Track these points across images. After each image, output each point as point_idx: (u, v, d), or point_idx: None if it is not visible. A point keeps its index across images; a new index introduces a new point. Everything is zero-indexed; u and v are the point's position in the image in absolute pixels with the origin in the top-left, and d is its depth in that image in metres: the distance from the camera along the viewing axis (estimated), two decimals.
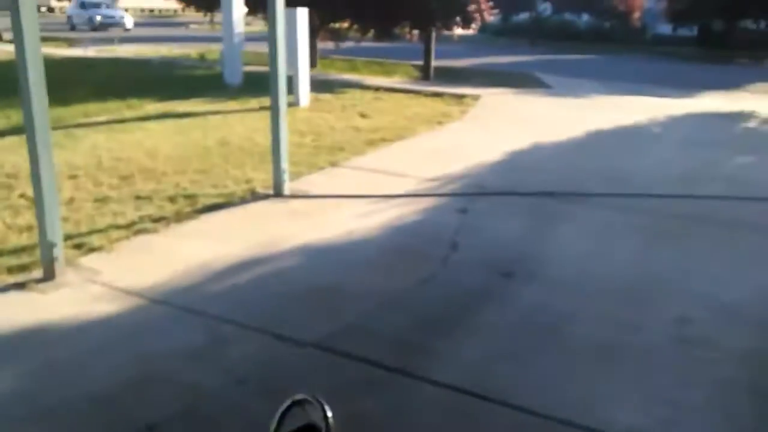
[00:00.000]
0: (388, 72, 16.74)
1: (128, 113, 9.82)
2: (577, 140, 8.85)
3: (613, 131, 9.67)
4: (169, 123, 9.19)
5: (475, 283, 4.14)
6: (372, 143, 8.19)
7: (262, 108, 10.61)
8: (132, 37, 27.08)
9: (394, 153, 7.77)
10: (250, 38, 19.42)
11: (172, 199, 5.73)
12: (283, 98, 5.82)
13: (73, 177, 6.38)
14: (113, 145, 7.74)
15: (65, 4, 60.98)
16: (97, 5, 36.61)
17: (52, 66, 15.45)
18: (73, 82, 12.12)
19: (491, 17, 15.99)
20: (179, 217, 5.27)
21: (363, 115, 10.12)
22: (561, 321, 3.65)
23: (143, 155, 7.26)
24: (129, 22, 35.76)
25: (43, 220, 4.03)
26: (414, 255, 4.61)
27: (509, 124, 10.03)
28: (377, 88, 12.88)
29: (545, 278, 4.25)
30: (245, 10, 12.69)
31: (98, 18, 35.00)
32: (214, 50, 18.96)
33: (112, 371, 3.08)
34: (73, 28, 34.68)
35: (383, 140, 8.37)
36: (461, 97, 12.19)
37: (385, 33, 15.12)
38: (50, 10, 64.50)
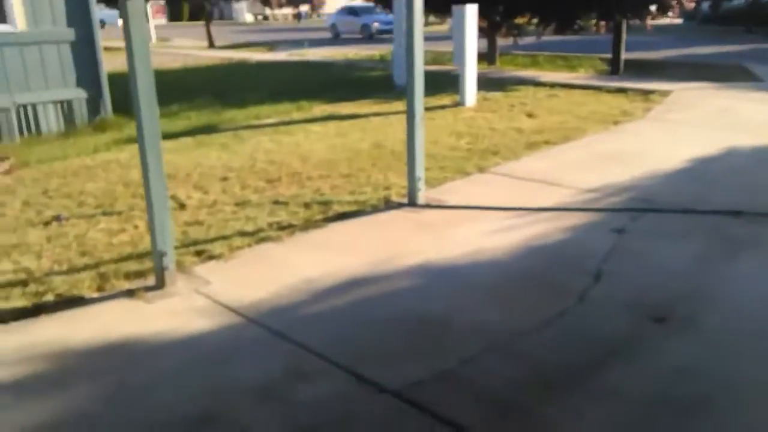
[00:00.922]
0: (572, 67, 15.47)
1: (296, 115, 9.94)
2: None
3: None
4: (332, 125, 9.12)
5: (612, 328, 3.31)
6: (532, 146, 7.38)
7: (427, 108, 10.15)
8: (325, 40, 28.19)
9: (554, 157, 6.90)
10: (428, 37, 19.21)
11: (307, 205, 5.50)
12: (419, 102, 5.32)
13: (224, 179, 6.44)
14: (273, 146, 7.79)
15: (286, 11, 65.83)
16: (370, 11, 29.68)
17: (242, 70, 16.52)
18: (256, 86, 12.70)
19: (692, 3, 14.02)
20: (306, 226, 5.00)
21: (530, 115, 9.28)
22: (718, 394, 2.74)
23: (296, 158, 7.19)
24: None
25: (153, 229, 3.93)
26: (547, 285, 3.86)
27: (699, 124, 8.55)
28: (553, 85, 11.86)
29: (708, 328, 3.28)
30: None
31: (375, 25, 30.37)
32: None
33: (176, 403, 2.81)
34: (336, 36, 30.73)
35: (546, 143, 7.51)
36: (648, 93, 10.76)
37: (567, 26, 13.93)
38: (265, 18, 70.20)
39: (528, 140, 7.68)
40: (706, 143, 7.16)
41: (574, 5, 13.10)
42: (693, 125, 8.45)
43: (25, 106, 8.56)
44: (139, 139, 3.90)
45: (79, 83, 9.02)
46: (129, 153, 7.70)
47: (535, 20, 14.92)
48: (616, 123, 8.57)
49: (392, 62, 12.96)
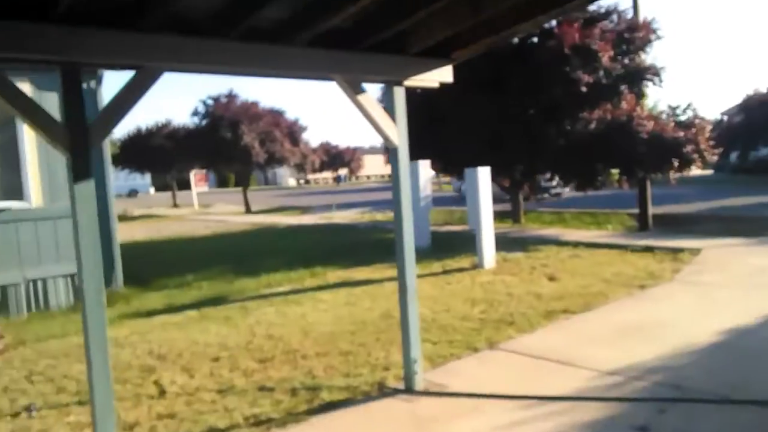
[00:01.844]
0: (599, 223, 15.12)
1: (309, 282, 9.61)
2: None
3: None
4: (343, 292, 8.72)
5: None
6: (550, 315, 6.77)
7: (444, 271, 9.82)
8: (354, 203, 28.68)
9: (572, 330, 6.26)
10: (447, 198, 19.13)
11: (294, 392, 4.94)
12: (410, 275, 4.89)
13: (216, 360, 5.96)
14: (276, 319, 7.36)
15: (326, 174, 68.34)
16: None
17: (267, 236, 16.54)
18: (276, 251, 12.59)
19: (715, 156, 13.82)
20: (285, 420, 4.41)
21: (551, 278, 8.74)
22: None
23: (298, 332, 6.72)
24: (563, 189, 23.69)
25: None
26: None
27: (734, 287, 7.83)
28: (577, 244, 11.39)
29: None
30: (431, 173, 12.37)
31: None
32: None
33: None
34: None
35: (565, 311, 6.90)
36: (677, 251, 10.17)
37: (588, 182, 13.75)
38: (307, 182, 73.27)
39: (546, 308, 7.09)
40: (742, 310, 6.45)
41: (593, 162, 12.98)
42: (726, 288, 7.74)
43: (35, 281, 8.45)
44: (84, 331, 3.49)
45: None
46: (129, 329, 7.35)
47: (556, 178, 14.83)
48: (642, 287, 7.93)
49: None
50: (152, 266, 11.60)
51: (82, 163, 3.37)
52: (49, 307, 8.55)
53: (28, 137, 8.45)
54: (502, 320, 6.69)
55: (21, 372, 5.91)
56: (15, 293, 8.28)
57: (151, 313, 8.18)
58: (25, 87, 8.38)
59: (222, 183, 69.97)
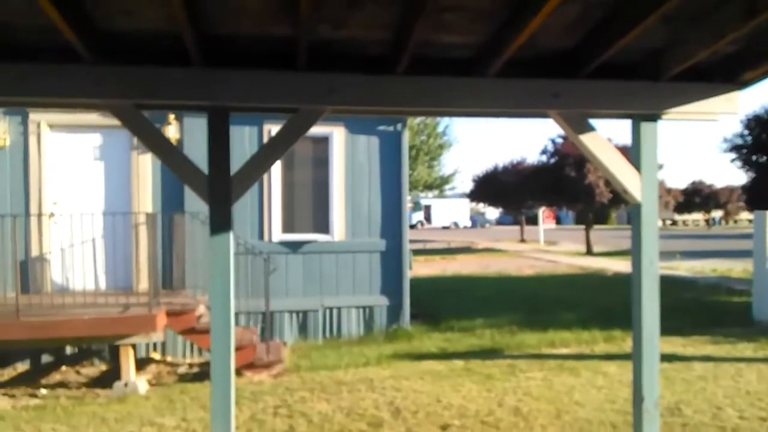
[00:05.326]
0: None
1: (601, 347, 8.09)
2: None
3: None
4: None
5: None
6: None
7: None
8: (712, 251, 24.20)
9: None
10: None
11: None
12: (649, 377, 3.40)
13: (443, 428, 5.23)
14: (537, 389, 6.25)
15: (696, 216, 60.39)
16: None
17: (585, 283, 14.69)
18: (581, 303, 11.13)
19: None
20: None
21: None
22: None
23: (550, 411, 5.54)
24: None
25: None
26: None
27: None
28: None
29: None
30: None
31: None
32: None
33: None
34: None
35: None
36: None
37: None
38: (674, 222, 66.09)
39: None
40: None
41: None
42: None
43: (331, 309, 8.90)
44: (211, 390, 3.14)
45: (383, 291, 9.06)
46: (391, 371, 7.12)
47: None
48: None
49: (753, 290, 9.88)
50: (453, 304, 11.37)
51: (222, 217, 3.05)
52: (341, 335, 8.89)
53: (337, 177, 9.00)
54: None
55: (273, 401, 6.05)
56: (314, 319, 8.83)
57: (421, 357, 7.83)
58: (340, 131, 8.95)
59: (580, 220, 67.65)
